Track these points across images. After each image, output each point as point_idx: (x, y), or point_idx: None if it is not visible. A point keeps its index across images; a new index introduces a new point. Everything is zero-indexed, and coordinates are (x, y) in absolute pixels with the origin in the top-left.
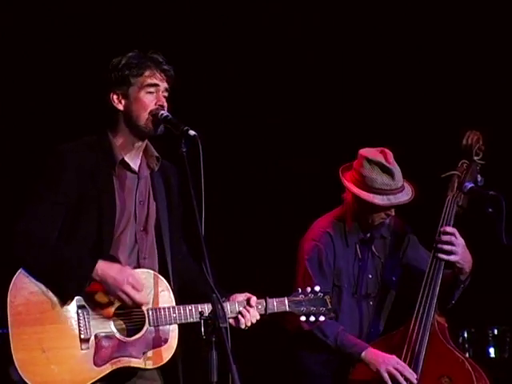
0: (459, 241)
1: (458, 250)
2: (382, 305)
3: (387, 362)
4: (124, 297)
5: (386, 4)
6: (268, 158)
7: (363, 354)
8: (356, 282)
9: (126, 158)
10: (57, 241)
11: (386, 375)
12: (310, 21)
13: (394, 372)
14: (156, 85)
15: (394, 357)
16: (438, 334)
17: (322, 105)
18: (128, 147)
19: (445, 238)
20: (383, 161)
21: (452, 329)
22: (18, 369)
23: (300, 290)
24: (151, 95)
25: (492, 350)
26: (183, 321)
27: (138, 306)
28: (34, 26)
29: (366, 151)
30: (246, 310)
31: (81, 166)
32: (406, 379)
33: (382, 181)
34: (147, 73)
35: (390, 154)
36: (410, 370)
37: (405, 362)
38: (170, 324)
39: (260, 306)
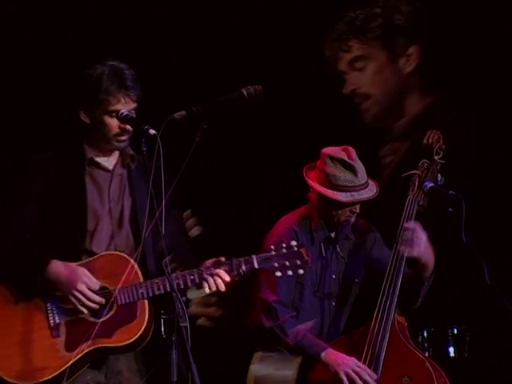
0: (420, 235)
1: (419, 244)
2: (344, 305)
3: (346, 364)
4: (78, 295)
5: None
6: (267, 158)
7: (323, 354)
8: (318, 280)
9: (97, 158)
10: (29, 242)
11: (344, 378)
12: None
13: (353, 375)
14: (119, 110)
15: (353, 359)
16: (398, 334)
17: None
18: (99, 149)
19: (406, 234)
20: (346, 158)
21: (412, 328)
22: None
23: (272, 247)
24: (115, 119)
25: (452, 350)
26: (150, 294)
27: (93, 304)
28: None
29: (328, 150)
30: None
31: (48, 170)
32: (365, 382)
33: (344, 177)
34: (111, 98)
35: (353, 151)
36: (369, 371)
37: (365, 361)
38: (138, 300)
39: (228, 268)
